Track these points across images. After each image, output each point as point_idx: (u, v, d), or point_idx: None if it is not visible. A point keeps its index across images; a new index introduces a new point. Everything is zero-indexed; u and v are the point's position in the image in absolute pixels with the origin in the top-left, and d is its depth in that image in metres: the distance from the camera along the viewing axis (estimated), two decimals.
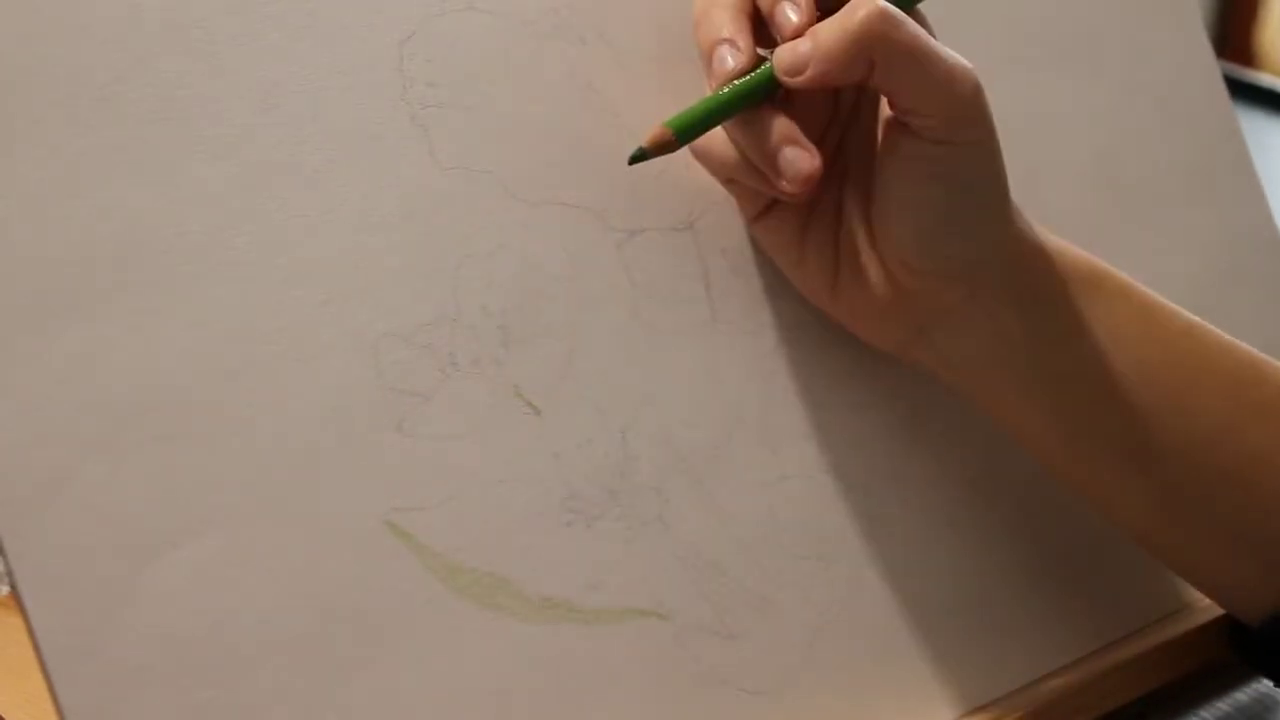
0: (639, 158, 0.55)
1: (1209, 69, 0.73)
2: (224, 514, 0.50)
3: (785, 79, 0.55)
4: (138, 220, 0.50)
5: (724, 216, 0.60)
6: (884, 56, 0.53)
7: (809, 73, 0.54)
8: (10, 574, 0.47)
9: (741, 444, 0.58)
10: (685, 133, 0.55)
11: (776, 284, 0.60)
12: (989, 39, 0.67)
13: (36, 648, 0.47)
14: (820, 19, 0.55)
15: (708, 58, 0.56)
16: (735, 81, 0.55)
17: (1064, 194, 0.68)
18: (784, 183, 0.55)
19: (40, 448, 0.48)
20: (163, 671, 0.48)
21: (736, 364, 0.59)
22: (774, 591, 0.58)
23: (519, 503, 0.54)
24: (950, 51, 0.55)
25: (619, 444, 0.56)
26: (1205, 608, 0.66)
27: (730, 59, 0.56)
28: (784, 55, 0.55)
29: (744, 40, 0.56)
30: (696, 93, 0.57)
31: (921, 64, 0.54)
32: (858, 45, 0.53)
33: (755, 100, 0.56)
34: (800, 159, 0.55)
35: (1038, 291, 0.57)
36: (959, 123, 0.55)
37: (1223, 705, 0.65)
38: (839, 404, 0.60)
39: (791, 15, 0.55)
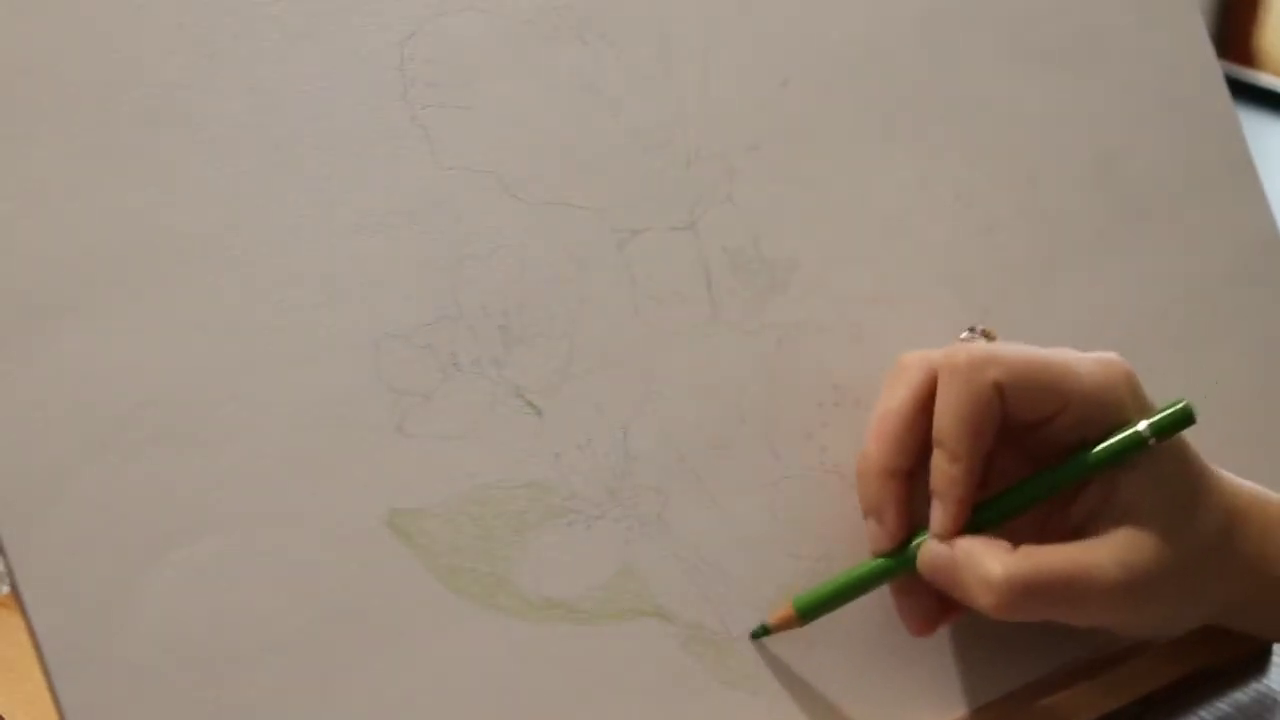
0: (760, 634, 0.57)
1: (1209, 69, 0.73)
2: (224, 514, 0.50)
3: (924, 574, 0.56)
4: (138, 220, 0.50)
5: (724, 216, 0.60)
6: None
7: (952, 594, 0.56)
8: (10, 574, 0.47)
9: (741, 444, 0.58)
10: (811, 613, 0.57)
11: (776, 284, 0.60)
12: (989, 39, 0.67)
13: (36, 648, 0.47)
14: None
15: (865, 516, 0.58)
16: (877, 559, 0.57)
17: (1064, 194, 0.67)
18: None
19: (40, 448, 0.48)
20: (163, 671, 0.48)
21: (736, 364, 0.59)
22: (774, 591, 0.58)
23: (519, 502, 0.54)
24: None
25: (619, 444, 0.56)
26: None
27: (875, 539, 0.57)
28: (925, 561, 0.56)
29: (891, 520, 0.57)
30: (698, 92, 0.56)
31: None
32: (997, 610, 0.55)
33: (895, 576, 0.57)
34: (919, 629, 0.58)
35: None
36: None
37: (1223, 705, 0.65)
38: (839, 403, 0.60)
39: (938, 521, 0.56)
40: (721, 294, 0.59)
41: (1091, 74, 0.69)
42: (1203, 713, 0.64)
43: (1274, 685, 0.66)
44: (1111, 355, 0.57)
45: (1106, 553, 0.55)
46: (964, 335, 0.61)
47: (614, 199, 0.58)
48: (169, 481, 0.49)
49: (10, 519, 0.47)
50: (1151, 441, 0.56)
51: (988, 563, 0.55)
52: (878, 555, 0.57)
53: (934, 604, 0.58)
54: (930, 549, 0.56)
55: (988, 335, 0.61)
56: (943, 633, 0.60)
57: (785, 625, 0.57)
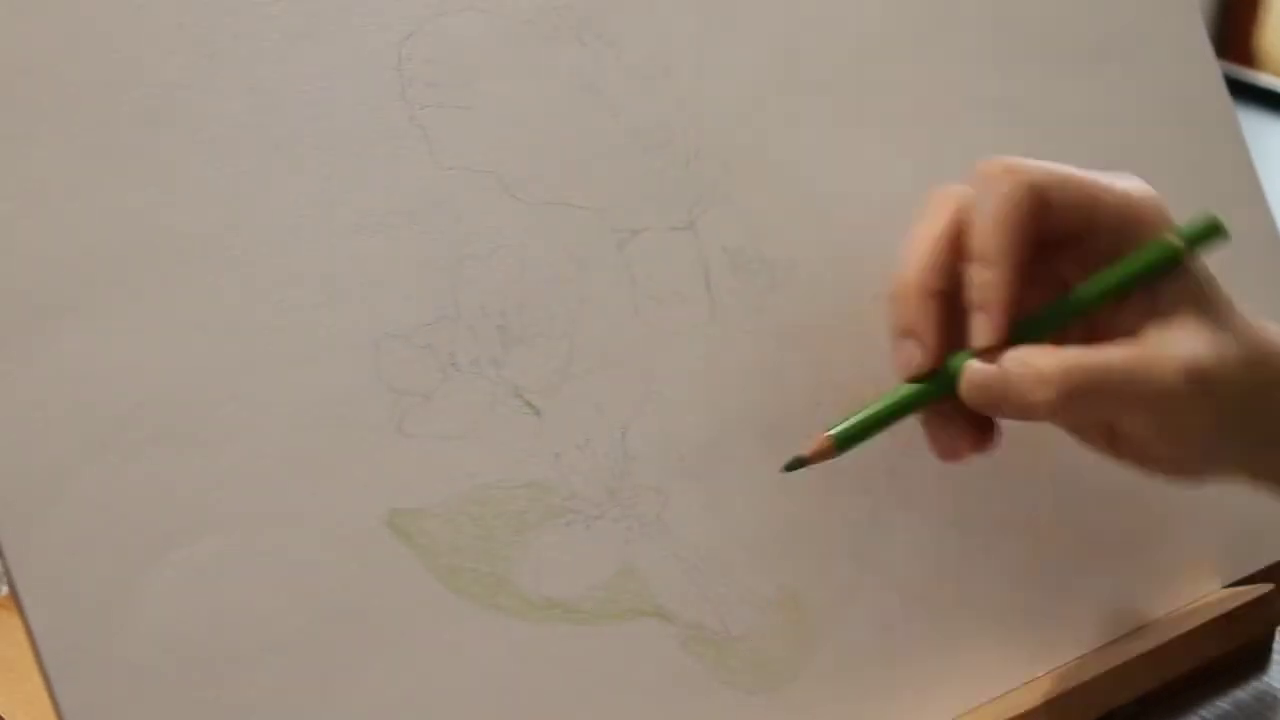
0: (795, 466, 0.55)
1: (1209, 69, 0.73)
2: (224, 514, 0.50)
3: (968, 395, 0.55)
4: (138, 220, 0.50)
5: (724, 216, 0.60)
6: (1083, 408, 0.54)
7: (997, 413, 0.55)
8: (9, 574, 0.47)
9: (741, 444, 0.58)
10: (848, 442, 0.56)
11: (777, 284, 0.60)
12: (990, 39, 0.67)
13: (36, 648, 0.47)
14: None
15: (894, 341, 0.56)
16: (912, 384, 0.56)
17: None
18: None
19: (40, 448, 0.48)
20: (163, 671, 0.48)
21: (736, 364, 0.59)
22: (774, 591, 0.58)
23: (519, 502, 0.54)
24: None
25: (619, 444, 0.56)
26: (1205, 608, 0.66)
27: (913, 359, 0.56)
28: (972, 380, 0.55)
29: (931, 339, 0.56)
30: (698, 92, 0.57)
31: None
32: (1052, 412, 0.54)
33: (931, 399, 0.56)
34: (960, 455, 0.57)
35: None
36: None
37: (1223, 705, 0.65)
38: (839, 403, 0.60)
39: (980, 332, 0.55)
40: (721, 294, 0.59)
41: (1092, 74, 0.69)
42: (1203, 712, 0.64)
43: (1274, 683, 0.66)
44: (1136, 179, 0.57)
45: (1164, 344, 0.54)
46: None
47: (614, 199, 0.58)
48: (169, 481, 0.50)
49: (10, 519, 0.47)
50: (1181, 248, 0.55)
51: (1040, 361, 0.53)
52: (913, 379, 0.56)
53: (966, 429, 0.56)
54: (975, 366, 0.55)
55: None
56: (943, 632, 0.60)
57: (822, 456, 0.55)
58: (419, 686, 0.52)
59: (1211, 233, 0.56)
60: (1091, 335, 0.56)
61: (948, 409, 0.56)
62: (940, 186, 0.57)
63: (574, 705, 0.54)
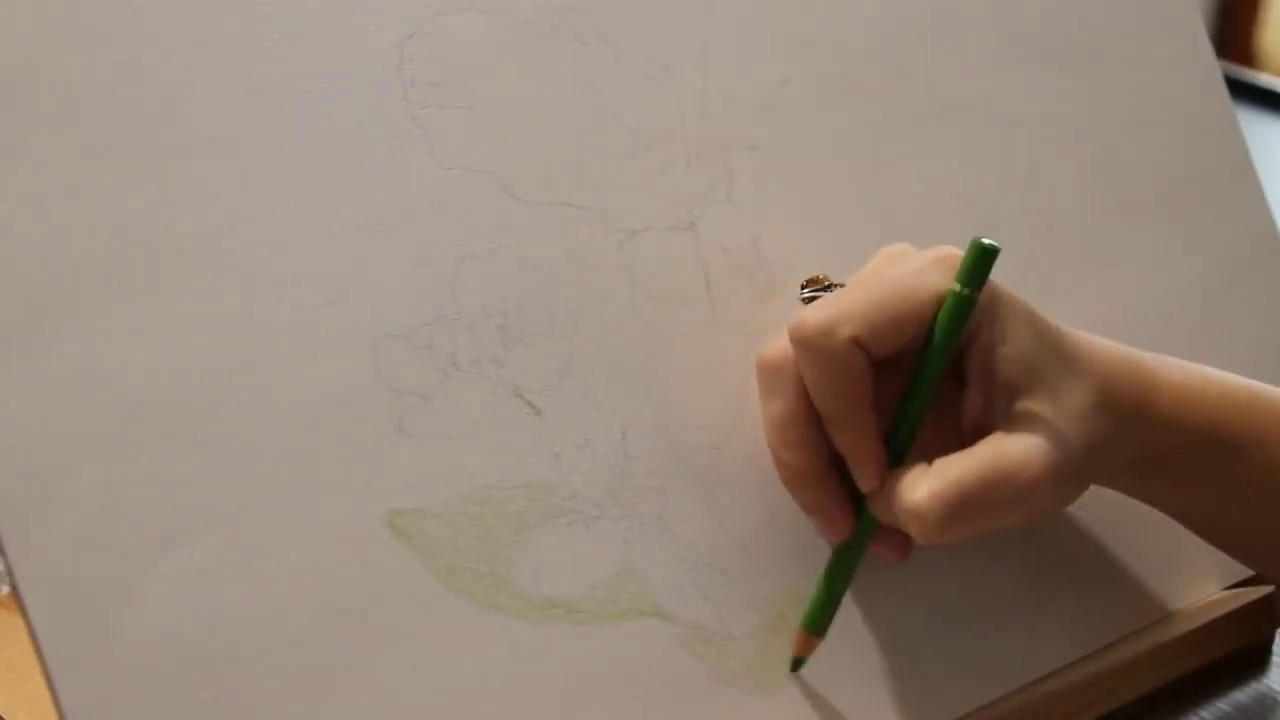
0: (797, 667, 0.57)
1: (1209, 69, 0.73)
2: (224, 514, 0.50)
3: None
4: (138, 220, 0.50)
5: (724, 216, 0.60)
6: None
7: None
8: (10, 574, 0.47)
9: (741, 444, 0.58)
10: (823, 626, 0.57)
11: (776, 284, 0.60)
12: (989, 39, 0.67)
13: (36, 648, 0.47)
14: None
15: (809, 515, 0.58)
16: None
17: (1064, 194, 0.67)
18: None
19: (40, 448, 0.48)
20: (163, 671, 0.48)
21: (736, 364, 0.59)
22: (774, 591, 0.58)
23: (519, 502, 0.54)
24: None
25: (619, 444, 0.56)
26: (1205, 609, 0.66)
27: (829, 534, 0.58)
28: (879, 515, 0.56)
29: (837, 510, 0.57)
30: (698, 92, 0.56)
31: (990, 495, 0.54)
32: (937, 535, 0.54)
33: (864, 549, 0.57)
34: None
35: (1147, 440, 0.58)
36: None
37: (1223, 705, 0.65)
38: None
39: (862, 482, 0.56)
40: (721, 294, 0.59)
41: (1092, 74, 0.69)
42: (1203, 713, 0.64)
43: (1274, 685, 0.66)
44: (944, 248, 0.56)
45: (1015, 441, 0.54)
46: (803, 295, 0.60)
47: (614, 199, 0.58)
48: (169, 481, 0.49)
49: (10, 519, 0.47)
50: (965, 291, 0.54)
51: (908, 493, 0.54)
52: (843, 543, 0.57)
53: (898, 535, 0.57)
54: (872, 503, 0.56)
55: (822, 283, 0.60)
56: (943, 633, 0.60)
57: (811, 647, 0.57)
58: (419, 686, 0.52)
59: (982, 257, 0.55)
60: (950, 427, 0.57)
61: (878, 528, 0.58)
62: (762, 356, 0.57)
63: (574, 705, 0.54)
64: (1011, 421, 0.55)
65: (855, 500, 0.57)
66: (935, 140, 0.65)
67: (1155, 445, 0.58)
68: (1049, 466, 0.54)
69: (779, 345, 0.56)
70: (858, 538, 0.57)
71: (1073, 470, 0.55)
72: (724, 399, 0.58)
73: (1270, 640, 0.67)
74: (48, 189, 0.49)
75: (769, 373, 0.57)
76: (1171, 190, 0.71)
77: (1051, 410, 0.55)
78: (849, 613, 0.59)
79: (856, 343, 0.54)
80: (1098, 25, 0.70)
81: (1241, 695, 0.65)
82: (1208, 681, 0.65)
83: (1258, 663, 0.67)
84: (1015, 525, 0.56)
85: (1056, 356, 0.56)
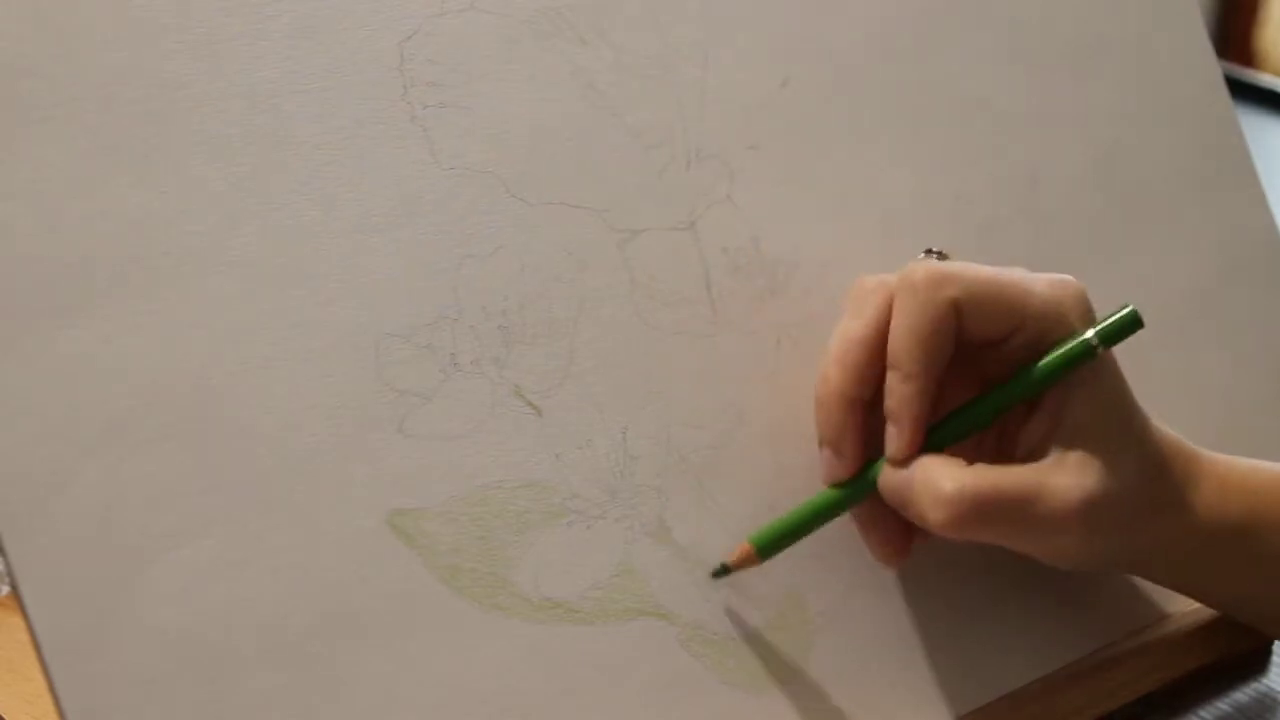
0: (721, 573, 0.56)
1: (1209, 69, 0.73)
2: (224, 514, 0.50)
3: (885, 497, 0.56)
4: (138, 220, 0.50)
5: (725, 216, 0.60)
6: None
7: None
8: (10, 574, 0.47)
9: (741, 444, 0.58)
10: (769, 550, 0.56)
11: (776, 284, 0.60)
12: (989, 39, 0.67)
13: (36, 648, 0.47)
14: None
15: (820, 446, 0.57)
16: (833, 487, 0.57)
17: (1064, 194, 0.67)
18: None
19: (40, 448, 0.48)
20: (163, 671, 0.48)
21: (736, 364, 0.59)
22: (773, 591, 0.58)
23: (520, 502, 0.54)
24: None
25: (619, 444, 0.56)
26: (1204, 609, 0.66)
27: (831, 469, 0.57)
28: (883, 482, 0.56)
29: (850, 449, 0.57)
30: (698, 92, 0.56)
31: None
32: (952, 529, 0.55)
33: (850, 505, 0.57)
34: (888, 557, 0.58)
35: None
36: None
37: (1223, 705, 0.65)
38: None
39: (893, 443, 0.56)
40: (721, 294, 0.59)
41: (1091, 74, 0.69)
42: (1203, 713, 0.64)
43: (1274, 685, 0.66)
44: (1066, 276, 0.57)
45: (1062, 473, 0.55)
46: (921, 256, 0.60)
47: (614, 199, 0.58)
48: (168, 482, 0.50)
49: (10, 519, 0.47)
50: (1099, 349, 0.55)
51: (940, 478, 0.54)
52: (833, 485, 0.57)
53: (898, 531, 0.57)
54: (888, 472, 0.56)
55: (943, 257, 0.60)
56: (943, 633, 0.60)
57: (745, 563, 0.56)
58: (419, 686, 0.52)
59: (1129, 326, 0.56)
60: (1003, 443, 0.58)
61: (879, 511, 0.57)
62: (863, 279, 0.57)
63: (574, 705, 0.54)
64: (1065, 459, 0.55)
65: (866, 459, 0.57)
66: (935, 140, 0.65)
67: (1197, 531, 0.58)
68: (1087, 509, 0.55)
69: (884, 276, 0.57)
70: (850, 491, 0.57)
71: (1108, 526, 0.56)
72: (724, 399, 0.58)
73: (1270, 641, 0.67)
74: (48, 189, 0.49)
75: (863, 293, 0.57)
76: (1171, 190, 0.71)
77: (1105, 466, 0.55)
78: (849, 612, 0.59)
79: (955, 306, 0.55)
80: (1098, 25, 0.70)
81: (1241, 695, 0.65)
82: (1208, 681, 0.65)
83: (1258, 663, 0.67)
84: (1028, 554, 0.57)
85: (1128, 423, 0.57)
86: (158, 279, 0.50)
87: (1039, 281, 0.57)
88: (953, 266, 0.56)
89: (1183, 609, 0.66)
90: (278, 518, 0.51)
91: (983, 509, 0.54)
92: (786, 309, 0.60)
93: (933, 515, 0.54)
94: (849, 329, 0.57)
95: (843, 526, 0.59)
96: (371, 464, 0.52)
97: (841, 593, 0.59)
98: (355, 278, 0.53)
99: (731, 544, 0.57)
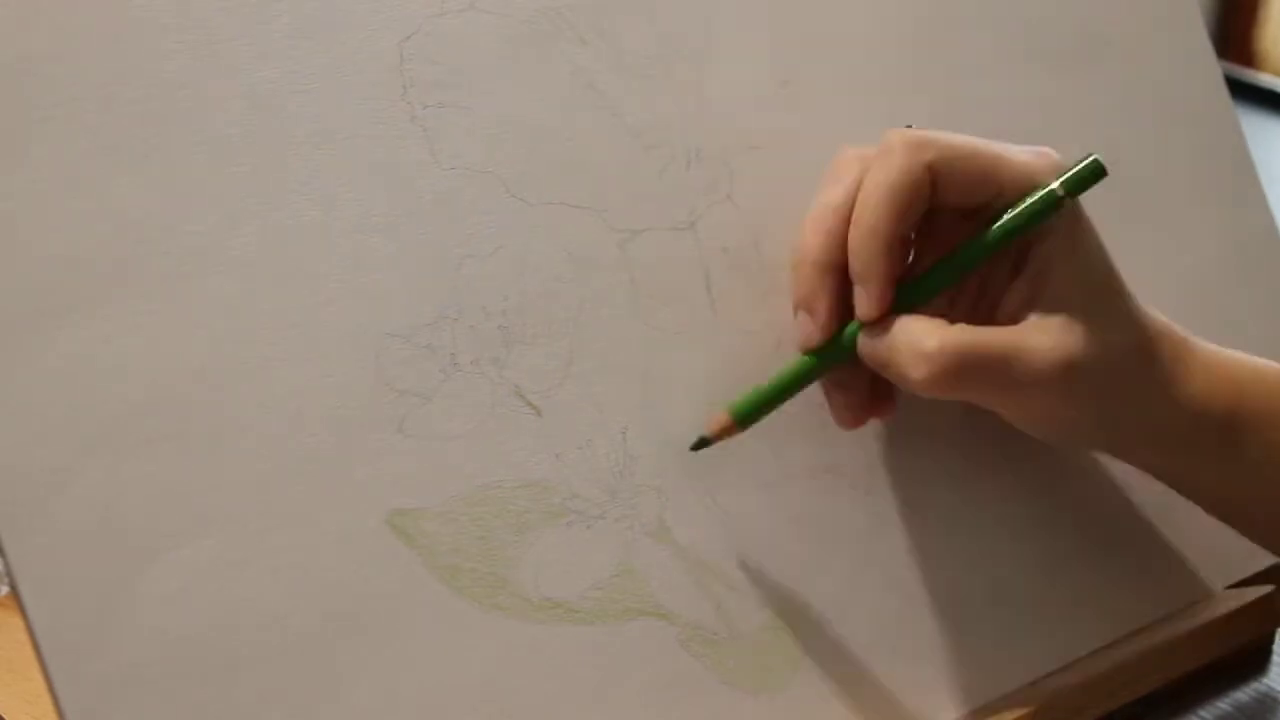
0: (700, 445, 0.56)
1: (1209, 69, 0.73)
2: (224, 514, 0.50)
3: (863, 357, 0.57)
4: (138, 220, 0.50)
5: (725, 216, 0.60)
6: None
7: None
8: (10, 574, 0.47)
9: (741, 444, 0.58)
10: (748, 418, 0.57)
11: (776, 284, 0.60)
12: (989, 39, 0.67)
13: (36, 648, 0.47)
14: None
15: (795, 310, 0.58)
16: (809, 354, 0.57)
17: None
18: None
19: (40, 448, 0.48)
20: (163, 671, 0.48)
21: (736, 364, 0.59)
22: (774, 591, 0.58)
23: (520, 502, 0.54)
24: None
25: (619, 444, 0.56)
26: (1205, 608, 0.66)
27: (806, 333, 0.57)
28: (863, 353, 0.56)
29: (824, 313, 0.57)
30: (698, 92, 0.56)
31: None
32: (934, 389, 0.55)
33: (826, 370, 0.57)
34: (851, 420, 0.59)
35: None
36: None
37: (1223, 705, 0.65)
38: None
39: (862, 304, 0.56)
40: (721, 294, 0.59)
41: (1092, 74, 0.69)
42: (1203, 713, 0.64)
43: (1274, 685, 0.66)
44: (1045, 148, 0.57)
45: (1043, 334, 0.55)
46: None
47: (614, 199, 0.58)
48: (168, 482, 0.50)
49: (10, 519, 0.47)
50: (1061, 192, 0.55)
51: (922, 335, 0.55)
52: (808, 350, 0.57)
53: (865, 397, 0.58)
54: (865, 337, 0.56)
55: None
56: (943, 632, 0.60)
57: (724, 433, 0.57)
58: (419, 686, 0.52)
59: (1091, 175, 0.56)
60: (980, 312, 0.58)
61: (847, 378, 0.58)
62: (844, 150, 0.58)
63: (574, 705, 0.54)
64: (1047, 321, 0.55)
65: (839, 325, 0.57)
66: None
67: (1182, 413, 0.58)
68: (1066, 366, 0.55)
69: (865, 148, 0.57)
70: (825, 355, 0.57)
71: (1087, 389, 0.56)
72: (724, 399, 0.58)
73: (1270, 640, 0.67)
74: (48, 189, 0.49)
75: (843, 162, 0.57)
76: (1171, 190, 0.71)
77: (1088, 330, 0.56)
78: (849, 612, 0.59)
79: (930, 170, 0.55)
80: (1098, 25, 0.70)
81: (1241, 695, 0.65)
82: (1208, 681, 0.65)
83: (1258, 663, 0.67)
84: (1007, 415, 0.57)
85: (1112, 294, 0.57)
86: (158, 279, 0.50)
87: (1018, 152, 0.57)
88: (931, 133, 0.56)
89: (1182, 609, 0.66)
90: (278, 518, 0.51)
91: (964, 366, 0.54)
92: (786, 309, 0.60)
93: (914, 372, 0.55)
94: (825, 195, 0.57)
95: (843, 526, 0.59)
96: (371, 464, 0.52)
97: (842, 592, 0.59)
98: (355, 278, 0.53)
99: (731, 544, 0.57)
